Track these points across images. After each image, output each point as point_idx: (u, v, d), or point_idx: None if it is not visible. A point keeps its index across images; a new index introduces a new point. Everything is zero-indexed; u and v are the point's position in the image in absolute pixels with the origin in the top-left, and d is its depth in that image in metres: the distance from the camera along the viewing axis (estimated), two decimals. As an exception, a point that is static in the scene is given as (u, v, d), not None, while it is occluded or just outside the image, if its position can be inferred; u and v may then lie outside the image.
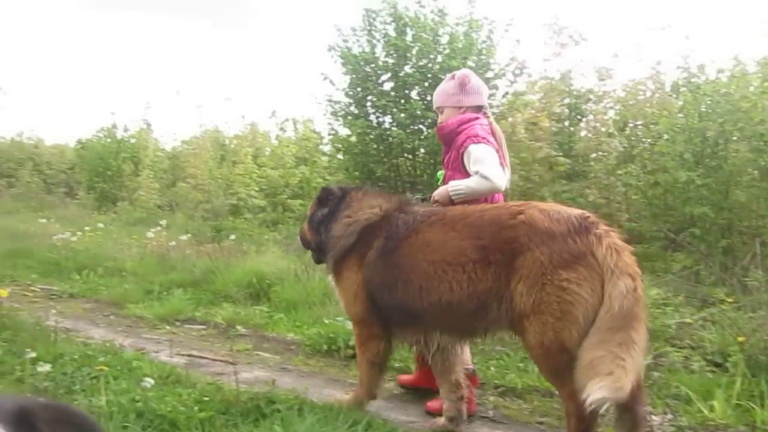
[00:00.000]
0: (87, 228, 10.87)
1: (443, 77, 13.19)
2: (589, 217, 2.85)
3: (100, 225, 10.06)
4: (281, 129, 17.98)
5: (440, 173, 3.92)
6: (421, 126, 12.52)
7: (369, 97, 12.89)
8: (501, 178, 3.45)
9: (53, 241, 9.43)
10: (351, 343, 4.64)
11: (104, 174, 18.38)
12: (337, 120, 13.83)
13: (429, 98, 12.72)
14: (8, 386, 3.73)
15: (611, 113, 11.06)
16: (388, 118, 12.96)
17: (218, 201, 15.67)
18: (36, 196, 21.61)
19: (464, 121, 3.67)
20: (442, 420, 3.47)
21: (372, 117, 13.22)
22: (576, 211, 2.91)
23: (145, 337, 5.37)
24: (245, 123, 22.12)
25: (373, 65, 12.54)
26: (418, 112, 11.92)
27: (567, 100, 11.26)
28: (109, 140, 19.63)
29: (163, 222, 9.87)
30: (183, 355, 4.77)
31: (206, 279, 7.01)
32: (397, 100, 12.59)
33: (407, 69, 12.25)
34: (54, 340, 4.49)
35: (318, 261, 3.87)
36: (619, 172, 9.64)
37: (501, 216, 2.99)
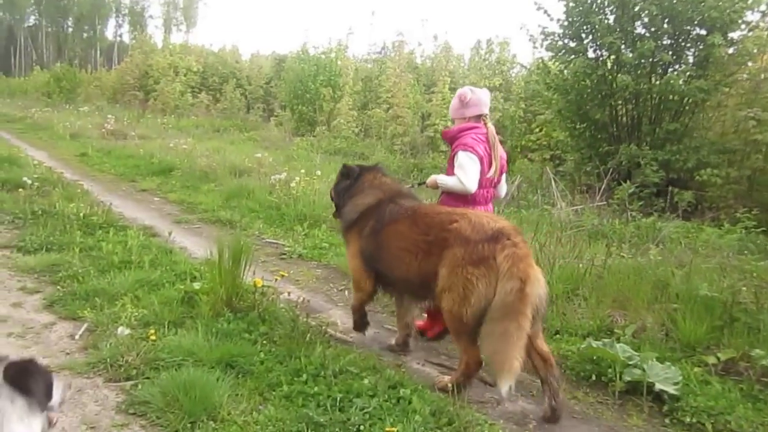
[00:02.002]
0: (299, 167, 11.06)
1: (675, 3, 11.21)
2: (503, 231, 3.77)
3: (318, 172, 10.01)
4: (483, 59, 16.97)
5: None
6: (644, 62, 10.98)
7: (588, 29, 11.52)
8: (472, 184, 4.49)
9: (272, 182, 9.64)
10: (625, 378, 4.07)
11: (303, 96, 18.68)
12: (552, 53, 12.61)
13: (657, 31, 11.08)
14: (279, 405, 3.63)
15: None
16: (607, 54, 11.55)
17: (415, 133, 15.29)
18: (238, 114, 22.79)
19: (463, 129, 4.65)
20: (393, 342, 4.80)
21: (590, 53, 11.85)
22: (498, 225, 3.85)
23: (387, 327, 5.19)
24: (438, 44, 21.36)
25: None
26: (647, 49, 10.40)
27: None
28: (304, 62, 19.76)
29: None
30: (434, 363, 4.50)
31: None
32: (624, 35, 11.09)
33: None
34: (309, 339, 4.37)
35: (335, 216, 5.05)
36: None
37: (443, 221, 4.01)
